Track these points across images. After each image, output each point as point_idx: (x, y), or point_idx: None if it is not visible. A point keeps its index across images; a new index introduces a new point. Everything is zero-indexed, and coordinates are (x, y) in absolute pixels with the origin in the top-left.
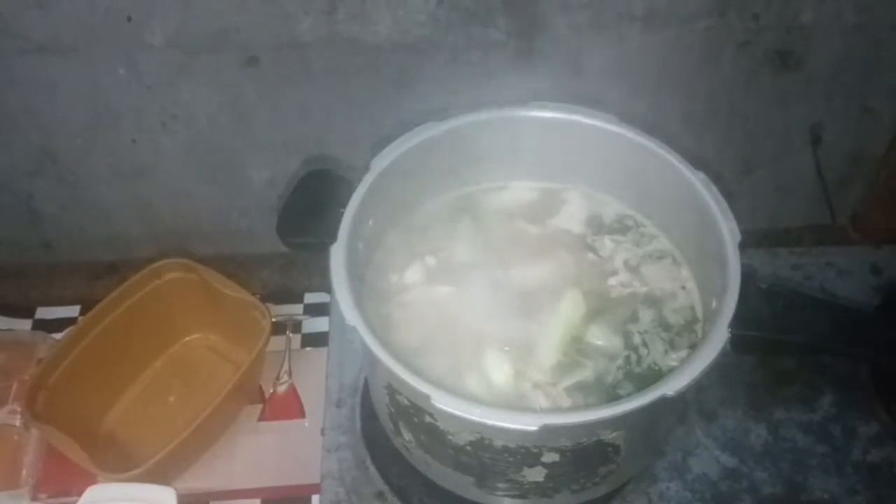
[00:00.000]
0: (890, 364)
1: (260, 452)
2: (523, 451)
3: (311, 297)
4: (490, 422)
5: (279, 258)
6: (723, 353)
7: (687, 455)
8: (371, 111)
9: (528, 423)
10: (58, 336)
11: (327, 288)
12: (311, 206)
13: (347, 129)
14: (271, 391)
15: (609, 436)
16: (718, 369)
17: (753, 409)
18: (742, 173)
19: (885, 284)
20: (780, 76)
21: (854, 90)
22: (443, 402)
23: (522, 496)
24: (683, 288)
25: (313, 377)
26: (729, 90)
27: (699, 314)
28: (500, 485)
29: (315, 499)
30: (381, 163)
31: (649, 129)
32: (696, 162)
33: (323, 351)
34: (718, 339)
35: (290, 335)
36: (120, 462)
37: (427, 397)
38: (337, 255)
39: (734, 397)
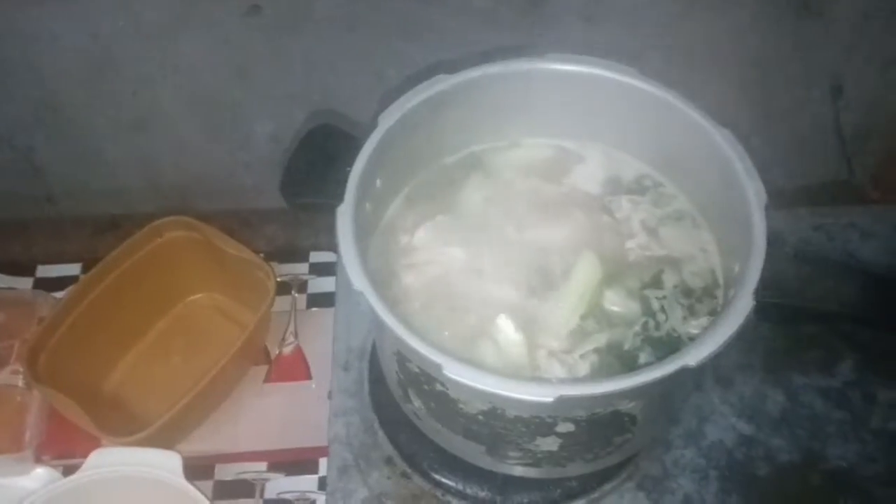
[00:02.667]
0: None
1: (266, 415)
2: (537, 422)
3: (316, 256)
4: (504, 392)
5: (285, 214)
6: (747, 323)
7: (702, 422)
8: (376, 62)
9: (543, 395)
10: (59, 295)
11: (334, 247)
12: (316, 164)
13: (352, 81)
14: (277, 352)
15: (626, 406)
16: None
17: (771, 376)
18: (758, 125)
19: None
20: (802, 23)
21: (878, 41)
22: (455, 372)
23: (535, 465)
24: (704, 251)
25: (320, 338)
26: (749, 37)
27: (720, 279)
28: (513, 453)
29: (322, 462)
30: (388, 118)
31: (665, 80)
32: (714, 112)
33: (329, 311)
34: (743, 307)
35: (296, 295)
36: (123, 424)
37: (438, 366)
38: (344, 218)
39: (751, 363)
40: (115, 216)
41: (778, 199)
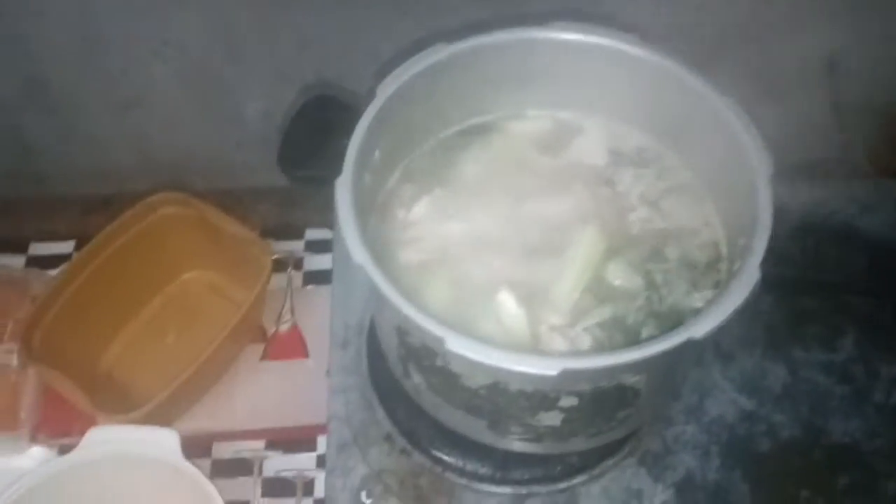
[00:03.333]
0: None
1: (263, 393)
2: (540, 396)
3: (312, 234)
4: (507, 366)
5: (278, 192)
6: (753, 295)
7: (703, 397)
8: (369, 37)
9: (547, 368)
10: (52, 273)
11: (329, 224)
12: (313, 136)
13: (345, 57)
14: (273, 330)
15: (630, 379)
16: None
17: (772, 350)
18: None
19: None
20: None
21: (874, 17)
22: (457, 346)
23: (537, 440)
24: (707, 224)
25: (317, 316)
26: (744, 12)
27: (723, 252)
28: (515, 428)
29: (320, 440)
30: (387, 89)
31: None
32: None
33: (326, 289)
34: (749, 279)
35: (292, 273)
36: (119, 403)
37: (441, 340)
38: (342, 190)
39: (752, 338)
40: (106, 195)
41: (775, 176)
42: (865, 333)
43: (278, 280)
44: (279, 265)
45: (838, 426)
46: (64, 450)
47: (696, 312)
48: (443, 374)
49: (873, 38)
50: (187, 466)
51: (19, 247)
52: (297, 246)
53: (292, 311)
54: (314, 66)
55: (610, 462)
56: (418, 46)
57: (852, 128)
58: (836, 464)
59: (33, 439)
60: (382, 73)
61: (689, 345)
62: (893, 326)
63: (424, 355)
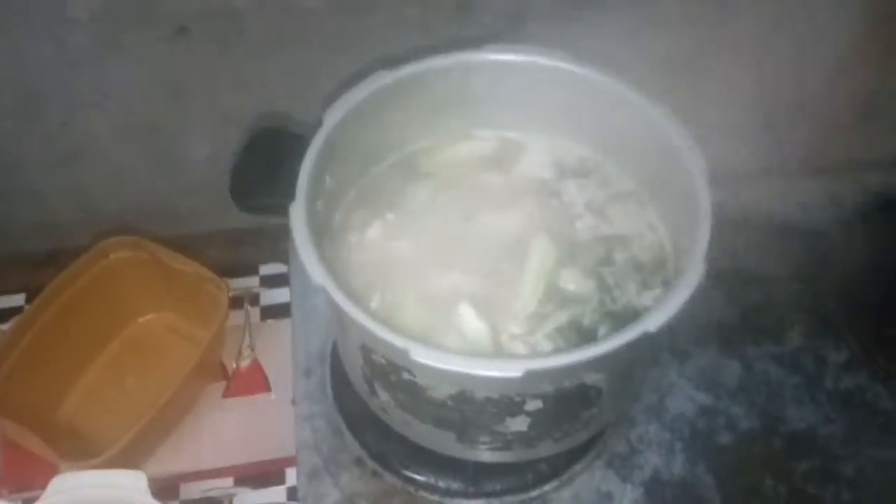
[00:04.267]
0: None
1: (227, 430)
2: (506, 401)
3: (266, 269)
4: (472, 371)
5: (227, 234)
6: (699, 287)
7: (663, 396)
8: (310, 75)
9: (511, 370)
10: (4, 327)
11: (282, 258)
12: (264, 166)
13: (286, 97)
14: (234, 367)
15: (592, 378)
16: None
17: (725, 346)
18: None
19: (849, 213)
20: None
21: (798, 22)
22: (422, 356)
23: (506, 447)
24: (651, 227)
25: (276, 349)
26: (674, 25)
27: (669, 252)
28: (483, 438)
29: (289, 472)
30: (334, 115)
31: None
32: None
33: (283, 322)
34: (695, 271)
35: (249, 308)
36: (81, 450)
37: (405, 352)
38: (297, 213)
39: (705, 336)
40: (50, 250)
41: (713, 179)
42: (811, 324)
43: (235, 317)
44: (235, 302)
45: (794, 414)
46: (28, 503)
47: (648, 310)
48: (409, 388)
49: (797, 45)
50: None
51: None
52: (251, 282)
53: (252, 347)
54: (257, 107)
55: (578, 467)
56: (361, 76)
57: (784, 137)
58: (795, 450)
59: None
60: (329, 101)
61: (645, 338)
62: (836, 315)
63: (390, 371)
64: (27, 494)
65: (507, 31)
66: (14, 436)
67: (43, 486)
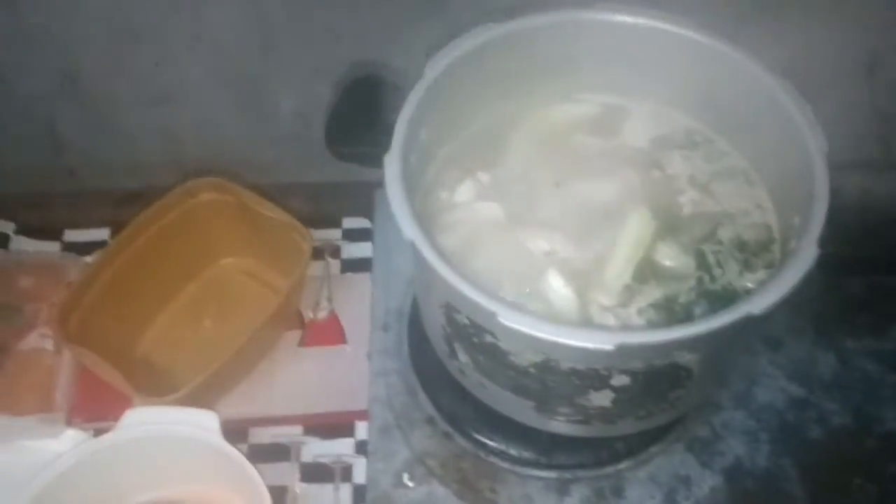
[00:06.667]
0: None
1: (300, 379)
2: (592, 374)
3: (349, 223)
4: (562, 340)
5: (311, 187)
6: (810, 271)
7: (752, 384)
8: (409, 30)
9: (603, 342)
10: (88, 259)
11: (366, 213)
12: (360, 114)
13: (379, 53)
14: (311, 317)
15: (684, 358)
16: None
17: (822, 338)
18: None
19: None
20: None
21: None
22: (510, 320)
23: (585, 422)
24: (759, 206)
25: (354, 303)
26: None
27: (776, 233)
28: (563, 409)
29: (358, 426)
30: (436, 66)
31: None
32: None
33: (363, 277)
34: (807, 255)
35: (330, 260)
36: (156, 386)
37: (493, 314)
38: (392, 165)
39: (801, 326)
40: (136, 190)
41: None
42: None
43: (315, 268)
44: (316, 253)
45: (890, 414)
46: (100, 433)
47: (749, 293)
48: (491, 351)
49: None
50: (228, 448)
51: (54, 234)
52: (333, 234)
53: (330, 299)
54: (349, 60)
55: (656, 448)
56: (467, 29)
57: (892, 132)
58: (889, 452)
59: (69, 422)
60: (431, 52)
61: (748, 321)
62: None
63: (473, 332)
64: (100, 424)
65: None
66: (92, 366)
67: (116, 418)
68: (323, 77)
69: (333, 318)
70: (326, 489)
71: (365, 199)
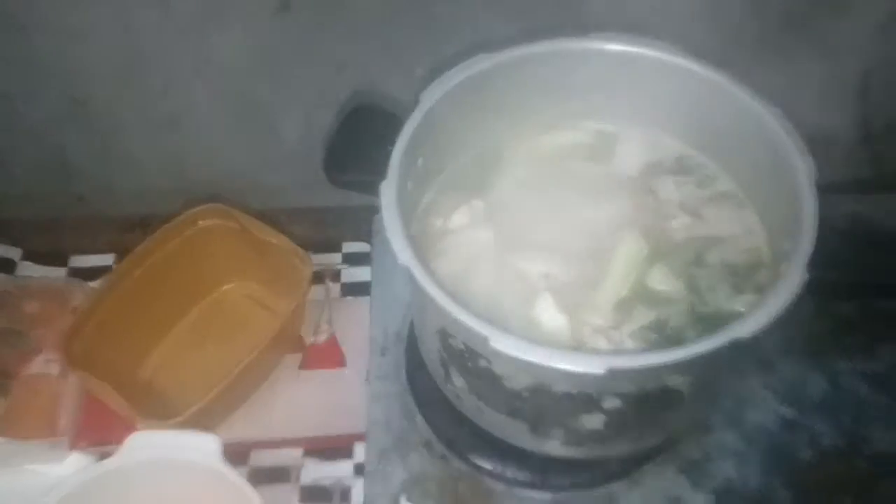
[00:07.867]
0: None
1: (301, 401)
2: (584, 397)
3: (349, 247)
4: (553, 364)
5: (314, 212)
6: (799, 295)
7: (743, 405)
8: (407, 57)
9: (594, 366)
10: (93, 284)
11: (365, 237)
12: (358, 142)
13: (381, 79)
14: (311, 340)
15: (675, 381)
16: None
17: (812, 359)
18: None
19: None
20: (831, 20)
21: None
22: (502, 345)
23: (578, 444)
24: (749, 231)
25: (353, 326)
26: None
27: (766, 258)
28: (556, 432)
29: (357, 448)
30: (431, 95)
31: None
32: None
33: (362, 300)
34: (795, 279)
35: (330, 284)
36: (158, 411)
37: (485, 339)
38: (388, 192)
39: (792, 347)
40: (142, 215)
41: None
42: None
43: (316, 292)
44: (316, 277)
45: (881, 436)
46: (104, 457)
47: (739, 316)
48: (485, 376)
49: None
50: (229, 471)
51: (60, 260)
52: (333, 258)
53: (330, 322)
54: (352, 87)
55: (648, 468)
56: (460, 59)
57: (884, 149)
58: (880, 472)
59: (73, 446)
60: (426, 82)
61: (737, 344)
62: None
63: (468, 357)
64: (104, 448)
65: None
66: (96, 391)
67: (119, 442)
68: (326, 102)
69: (333, 342)
70: None
71: (365, 223)
